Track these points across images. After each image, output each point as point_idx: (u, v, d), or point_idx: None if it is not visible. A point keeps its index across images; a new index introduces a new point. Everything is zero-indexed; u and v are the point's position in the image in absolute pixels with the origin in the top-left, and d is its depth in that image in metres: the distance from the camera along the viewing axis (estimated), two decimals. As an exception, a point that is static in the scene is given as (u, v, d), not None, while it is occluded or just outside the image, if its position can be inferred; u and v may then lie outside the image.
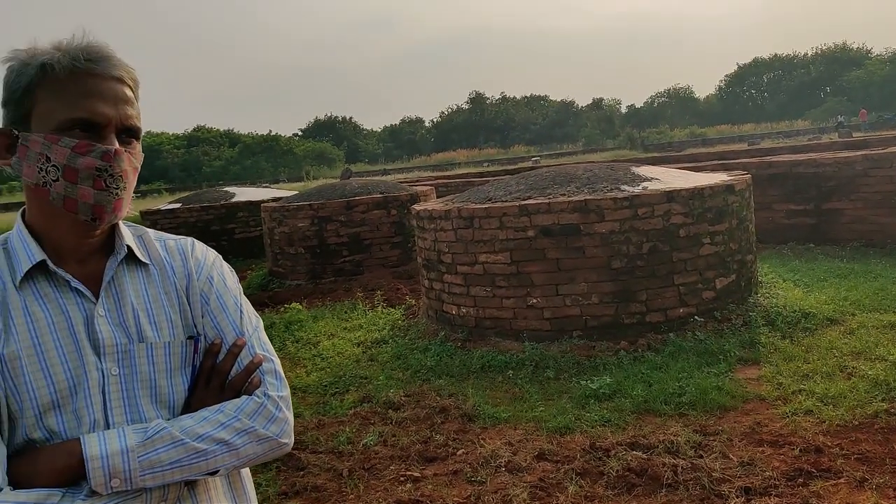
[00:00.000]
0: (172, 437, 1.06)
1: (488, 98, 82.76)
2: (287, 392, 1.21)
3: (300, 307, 6.95)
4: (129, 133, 1.12)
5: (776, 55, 74.39)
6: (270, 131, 69.32)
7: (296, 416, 4.32)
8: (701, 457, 3.29)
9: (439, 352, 5.12)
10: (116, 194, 1.09)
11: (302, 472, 3.56)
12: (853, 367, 4.17)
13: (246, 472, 1.25)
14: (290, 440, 1.18)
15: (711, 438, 3.49)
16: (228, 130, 70.70)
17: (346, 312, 6.77)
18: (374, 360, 5.27)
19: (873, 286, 5.85)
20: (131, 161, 1.12)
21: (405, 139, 78.33)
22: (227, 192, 13.22)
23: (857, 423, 3.52)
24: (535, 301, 5.09)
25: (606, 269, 5.01)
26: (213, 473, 1.10)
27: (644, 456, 3.32)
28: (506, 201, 5.39)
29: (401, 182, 12.30)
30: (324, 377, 4.98)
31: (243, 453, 1.12)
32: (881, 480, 2.96)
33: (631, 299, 5.02)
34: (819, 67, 68.60)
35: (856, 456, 3.20)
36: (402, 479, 3.41)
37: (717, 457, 3.28)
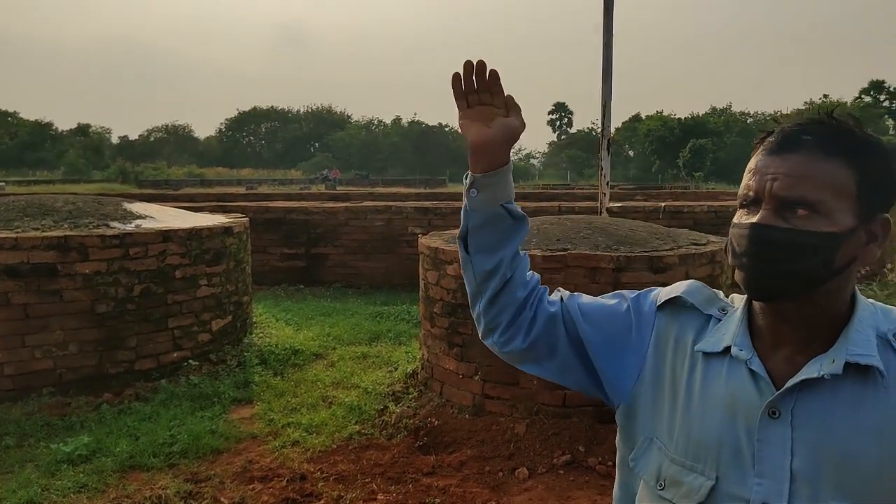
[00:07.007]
0: None
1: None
2: None
3: None
4: None
5: (273, 107, 79.91)
6: None
7: None
8: (192, 507, 3.14)
9: None
10: None
11: None
12: (334, 396, 4.62)
13: None
14: None
15: (203, 485, 3.38)
16: None
17: None
18: None
19: (350, 322, 6.68)
20: None
21: None
22: None
23: (335, 446, 3.88)
24: (-6, 355, 4.18)
25: (90, 315, 4.47)
26: None
27: (128, 520, 3.00)
28: (-45, 233, 4.35)
29: None
30: None
31: None
32: (353, 495, 3.31)
33: (118, 346, 4.58)
34: (309, 124, 76.74)
35: (334, 477, 3.51)
36: None
37: (209, 502, 3.19)
